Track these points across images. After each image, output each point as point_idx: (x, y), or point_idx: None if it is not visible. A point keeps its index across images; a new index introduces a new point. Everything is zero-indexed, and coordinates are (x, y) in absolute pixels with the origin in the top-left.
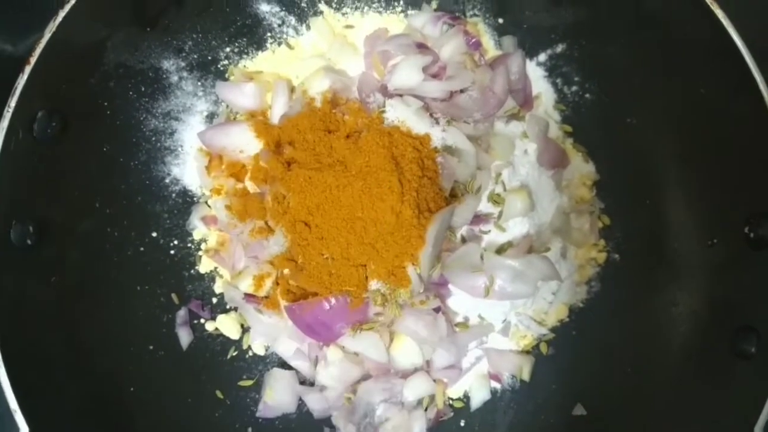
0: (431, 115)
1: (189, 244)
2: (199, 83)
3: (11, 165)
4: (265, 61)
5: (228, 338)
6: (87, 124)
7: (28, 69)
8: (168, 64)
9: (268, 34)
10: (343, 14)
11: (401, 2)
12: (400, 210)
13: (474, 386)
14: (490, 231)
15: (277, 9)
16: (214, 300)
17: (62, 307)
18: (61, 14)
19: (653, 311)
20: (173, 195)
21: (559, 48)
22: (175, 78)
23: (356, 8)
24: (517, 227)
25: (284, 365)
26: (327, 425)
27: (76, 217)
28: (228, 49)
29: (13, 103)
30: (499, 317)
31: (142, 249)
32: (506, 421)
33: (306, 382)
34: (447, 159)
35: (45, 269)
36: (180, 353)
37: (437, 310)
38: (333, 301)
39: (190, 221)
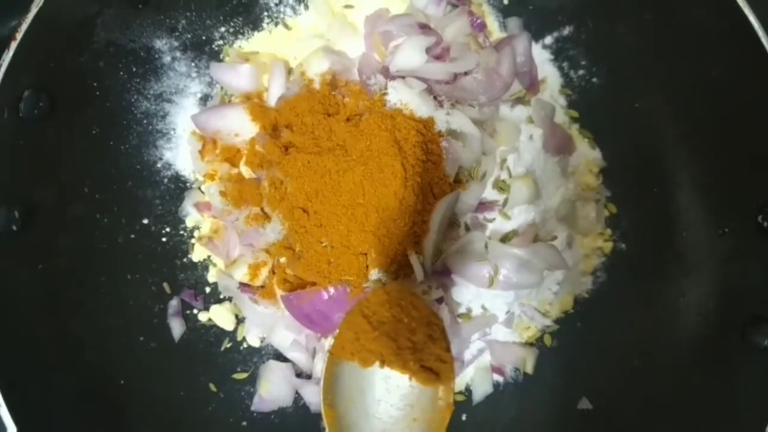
0: (435, 97)
1: (181, 232)
2: (193, 64)
3: None
4: (261, 42)
5: (222, 329)
6: (75, 104)
7: (14, 45)
8: (160, 44)
9: (265, 14)
10: None
11: None
12: (403, 196)
13: (476, 379)
14: (494, 219)
15: None
16: (208, 289)
17: (49, 296)
18: None
19: (661, 302)
20: (165, 180)
21: (566, 30)
22: (167, 58)
23: None
24: (522, 215)
25: (280, 357)
26: None
27: (64, 201)
28: (223, 29)
29: None
30: (503, 308)
31: (132, 236)
32: (509, 415)
33: (303, 374)
34: (451, 143)
35: (31, 256)
36: (172, 344)
37: (440, 300)
38: (332, 290)
39: (182, 207)
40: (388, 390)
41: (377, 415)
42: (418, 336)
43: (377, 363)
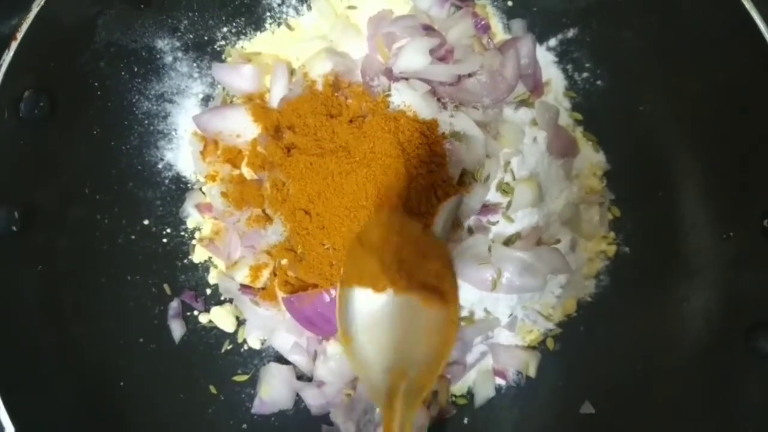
0: (438, 99)
1: (182, 233)
2: (195, 64)
3: None
4: (263, 42)
5: (222, 331)
6: (76, 105)
7: (14, 45)
8: (162, 44)
9: (268, 14)
10: None
11: None
12: (406, 198)
13: (478, 383)
14: (498, 222)
15: None
16: (208, 291)
17: (49, 297)
18: None
19: (664, 307)
20: (166, 181)
21: (570, 32)
22: (169, 58)
23: None
24: (525, 218)
25: (281, 360)
26: (325, 422)
27: (65, 202)
28: (225, 29)
29: None
30: (506, 311)
31: (133, 237)
32: (511, 419)
33: (303, 377)
34: (455, 145)
35: (31, 257)
36: (172, 346)
37: None
38: (333, 293)
39: (183, 209)
40: (398, 313)
41: (389, 339)
42: (417, 255)
43: (386, 287)
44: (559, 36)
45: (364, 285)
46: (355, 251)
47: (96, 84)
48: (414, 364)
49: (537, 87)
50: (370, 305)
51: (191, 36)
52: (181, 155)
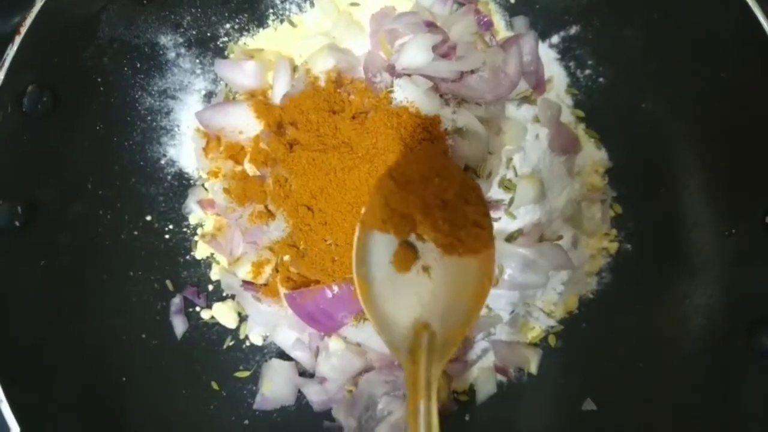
0: (441, 96)
1: (185, 229)
2: (198, 60)
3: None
4: (266, 39)
5: (224, 327)
6: (79, 100)
7: (18, 40)
8: (165, 40)
9: (270, 11)
10: None
11: None
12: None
13: (480, 379)
14: (500, 218)
15: None
16: (210, 287)
17: (51, 293)
18: None
19: (666, 304)
20: (169, 177)
21: (573, 30)
22: (172, 54)
23: None
24: (528, 215)
25: (283, 356)
26: (327, 418)
27: (67, 198)
28: (228, 26)
29: (1, 75)
30: (508, 308)
31: (135, 233)
32: (512, 416)
33: (305, 373)
34: (457, 141)
35: (33, 252)
36: (174, 342)
37: None
38: (336, 289)
39: (186, 205)
40: (424, 259)
41: (414, 289)
42: (450, 196)
43: (411, 234)
44: (562, 33)
45: (400, 235)
46: (387, 188)
47: (99, 80)
48: (441, 318)
49: (539, 84)
50: (393, 251)
51: (194, 32)
52: (184, 151)
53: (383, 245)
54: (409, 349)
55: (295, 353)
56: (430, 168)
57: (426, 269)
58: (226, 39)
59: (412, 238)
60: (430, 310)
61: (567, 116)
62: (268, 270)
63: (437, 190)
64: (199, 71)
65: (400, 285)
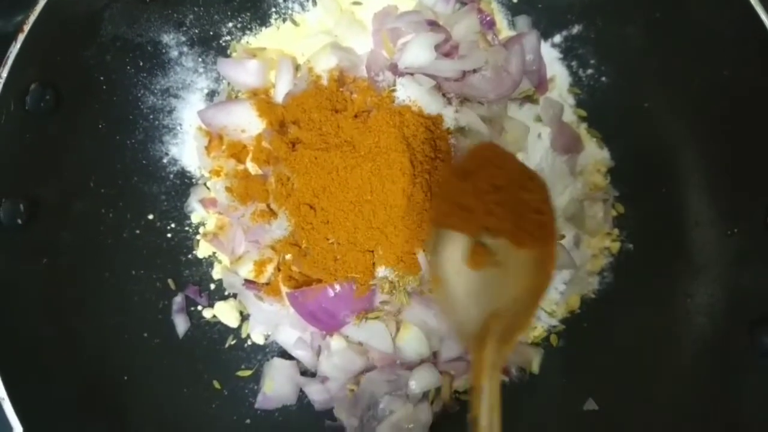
0: (443, 95)
1: (186, 228)
2: (200, 59)
3: (2, 138)
4: (269, 38)
5: (226, 326)
6: (82, 98)
7: (21, 38)
8: (168, 39)
9: (273, 10)
10: None
11: None
12: (411, 193)
13: None
14: None
15: None
16: (212, 286)
17: (53, 291)
18: None
19: (668, 303)
20: (171, 176)
21: (575, 29)
22: (174, 53)
23: None
24: None
25: (285, 355)
26: (328, 418)
27: (70, 196)
28: (230, 24)
29: (4, 73)
30: None
31: (137, 232)
32: (514, 415)
33: (307, 372)
34: (460, 141)
35: (35, 250)
36: (176, 341)
37: None
38: (338, 288)
39: (188, 203)
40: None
41: (483, 283)
42: (503, 182)
43: (481, 232)
44: (564, 32)
45: (457, 227)
46: (450, 183)
47: (101, 78)
48: (509, 306)
49: (541, 83)
50: (463, 248)
51: (197, 31)
52: (186, 150)
53: (455, 243)
54: (480, 336)
55: (297, 352)
56: (483, 158)
57: (497, 264)
58: (228, 38)
59: (484, 236)
60: (500, 301)
61: (569, 115)
62: (270, 269)
63: (489, 176)
64: (201, 70)
65: (473, 282)
